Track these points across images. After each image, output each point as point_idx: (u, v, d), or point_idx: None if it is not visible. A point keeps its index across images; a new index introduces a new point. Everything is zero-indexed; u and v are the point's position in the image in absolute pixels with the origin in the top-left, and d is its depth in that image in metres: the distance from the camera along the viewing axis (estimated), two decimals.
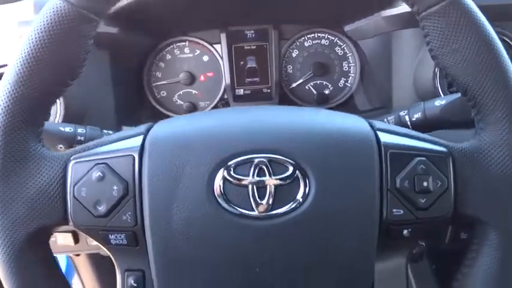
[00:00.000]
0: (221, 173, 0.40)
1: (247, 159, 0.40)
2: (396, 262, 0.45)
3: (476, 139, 0.43)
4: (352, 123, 0.43)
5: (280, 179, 0.40)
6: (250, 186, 0.40)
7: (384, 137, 0.43)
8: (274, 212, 0.40)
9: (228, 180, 0.40)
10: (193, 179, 0.40)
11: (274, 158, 0.40)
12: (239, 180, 0.40)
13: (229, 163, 0.40)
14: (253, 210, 0.40)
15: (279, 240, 0.40)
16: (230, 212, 0.40)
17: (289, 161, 0.40)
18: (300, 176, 0.40)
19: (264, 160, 0.40)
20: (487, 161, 0.42)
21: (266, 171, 0.40)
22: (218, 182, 0.40)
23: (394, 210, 0.41)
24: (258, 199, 0.40)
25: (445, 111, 0.54)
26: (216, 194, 0.40)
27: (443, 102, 0.54)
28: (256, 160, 0.40)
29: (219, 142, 0.41)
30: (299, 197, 0.40)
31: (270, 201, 0.40)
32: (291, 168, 0.40)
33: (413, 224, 0.42)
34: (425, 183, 0.41)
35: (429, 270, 0.92)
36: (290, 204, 0.40)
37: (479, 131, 0.44)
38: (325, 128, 0.42)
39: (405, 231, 0.42)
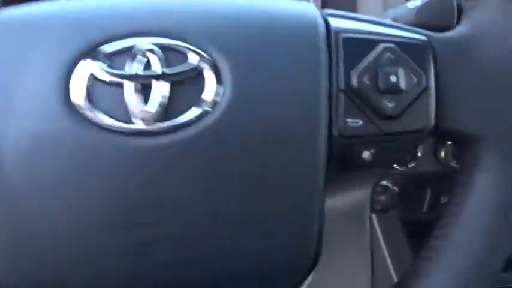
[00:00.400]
0: (86, 66, 0.26)
1: (127, 46, 0.26)
2: (355, 200, 0.32)
3: (465, 23, 0.31)
4: (292, 4, 0.30)
5: (176, 74, 0.26)
6: (129, 85, 0.26)
7: (337, 22, 0.30)
8: (166, 123, 0.26)
9: (96, 77, 0.26)
10: (41, 75, 0.26)
11: (169, 43, 0.27)
12: (114, 76, 0.26)
13: (99, 50, 0.26)
14: (132, 122, 0.26)
15: (177, 168, 0.26)
16: (98, 125, 0.26)
17: (192, 47, 0.27)
18: (208, 69, 0.26)
19: (153, 47, 0.26)
20: (481, 50, 0.30)
21: (156, 62, 0.26)
22: (80, 80, 0.26)
23: (349, 120, 0.28)
24: (140, 105, 0.26)
25: (422, 14, 0.41)
26: (75, 98, 0.26)
27: (418, 3, 0.41)
28: (140, 46, 0.26)
29: (84, 20, 0.27)
30: (207, 99, 0.26)
31: (160, 108, 0.26)
32: (194, 58, 0.26)
33: (378, 143, 0.29)
34: (393, 78, 0.28)
35: (400, 229, 0.79)
36: (192, 111, 0.26)
37: (468, 11, 0.31)
38: (251, 5, 0.29)
39: (365, 153, 0.29)
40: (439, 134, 0.31)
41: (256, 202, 0.27)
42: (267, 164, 0.27)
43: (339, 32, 0.29)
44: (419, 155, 0.66)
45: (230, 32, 0.27)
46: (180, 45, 0.26)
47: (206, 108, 0.26)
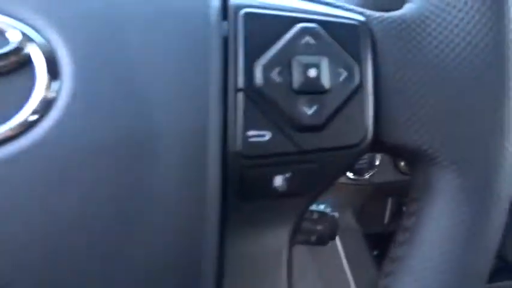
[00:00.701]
0: None
1: None
2: (269, 240, 0.23)
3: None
4: None
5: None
6: None
7: None
8: None
9: None
10: None
11: None
12: None
13: None
14: None
15: None
16: None
17: (11, 23, 0.18)
18: (38, 55, 0.18)
19: None
20: (434, 35, 0.22)
21: None
22: None
23: (252, 133, 0.20)
24: None
25: None
26: None
27: None
28: None
29: None
30: (36, 99, 0.17)
31: None
32: (15, 37, 0.17)
33: (294, 164, 0.20)
34: (312, 73, 0.20)
35: (364, 244, 0.72)
36: (13, 120, 0.17)
37: None
38: None
39: (278, 179, 0.20)
40: (380, 149, 0.23)
41: (112, 252, 0.18)
42: (126, 194, 0.18)
43: (239, 7, 0.20)
44: (377, 163, 0.59)
45: (75, 8, 0.18)
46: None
47: (34, 113, 0.17)
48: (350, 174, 0.57)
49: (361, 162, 0.56)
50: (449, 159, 0.22)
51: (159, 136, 0.18)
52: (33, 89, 0.17)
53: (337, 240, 0.78)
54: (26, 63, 0.17)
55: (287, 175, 0.20)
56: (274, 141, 0.20)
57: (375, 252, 0.80)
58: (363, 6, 0.27)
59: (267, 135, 0.20)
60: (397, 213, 0.67)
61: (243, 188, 0.20)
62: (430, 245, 0.22)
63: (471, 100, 0.21)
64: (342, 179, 0.58)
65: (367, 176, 0.56)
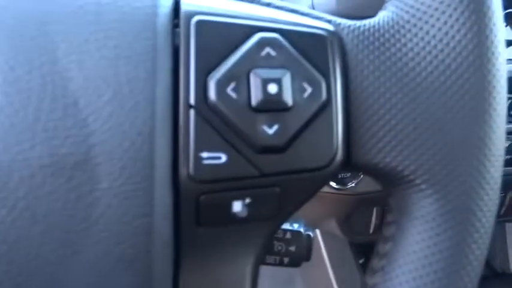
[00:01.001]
0: None
1: None
2: (231, 267, 0.21)
3: (389, 7, 0.21)
4: None
5: None
6: None
7: (192, 0, 0.19)
8: None
9: None
10: None
11: None
12: None
13: None
14: None
15: None
16: None
17: None
18: None
19: None
20: (409, 46, 0.20)
21: None
22: None
23: (206, 155, 0.18)
24: None
25: (346, 2, 0.31)
26: None
27: None
28: None
29: None
30: None
31: None
32: None
33: (254, 188, 0.19)
34: (273, 88, 0.18)
35: (351, 254, 0.71)
36: None
37: None
38: None
39: (237, 205, 0.18)
40: (352, 170, 0.21)
41: None
42: (60, 222, 0.16)
43: (192, 14, 0.18)
44: (360, 173, 0.57)
45: (4, 12, 0.16)
46: None
47: None
48: (333, 184, 0.55)
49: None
50: (426, 182, 0.20)
51: (97, 159, 0.16)
52: None
53: (323, 249, 0.76)
54: None
55: (246, 200, 0.18)
56: (231, 164, 0.18)
57: (361, 261, 0.79)
58: (335, 13, 0.25)
59: (223, 158, 0.18)
60: (383, 223, 0.65)
61: (199, 215, 0.18)
62: (409, 274, 0.20)
63: (449, 119, 0.20)
64: (326, 189, 0.56)
65: (350, 186, 0.54)
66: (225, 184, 0.18)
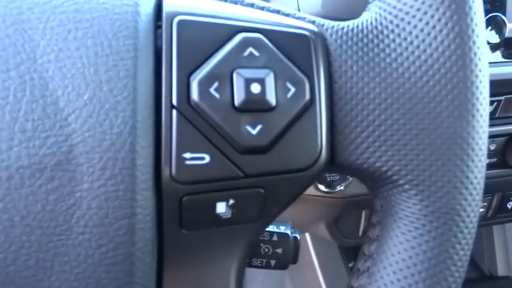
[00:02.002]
0: None
1: None
2: (215, 269, 0.21)
3: (373, 7, 0.21)
4: None
5: None
6: None
7: (174, 0, 0.19)
8: None
9: None
10: None
11: None
12: None
13: None
14: None
15: None
16: None
17: None
18: None
19: None
20: (392, 46, 0.20)
21: None
22: None
23: (189, 155, 0.17)
24: None
25: (329, 2, 0.31)
26: None
27: None
28: None
29: None
30: None
31: None
32: None
33: (238, 189, 0.18)
34: (256, 88, 0.18)
35: (339, 257, 0.71)
36: None
37: None
38: None
39: (220, 206, 0.18)
40: (336, 170, 0.21)
41: None
42: (40, 224, 0.16)
43: (174, 14, 0.18)
44: (348, 176, 0.57)
45: None
46: None
47: None
48: (322, 187, 0.55)
49: (333, 174, 0.54)
50: (410, 182, 0.20)
51: (77, 159, 0.16)
52: None
53: (312, 252, 0.76)
54: None
55: (230, 202, 0.18)
56: (214, 164, 0.17)
57: (351, 264, 0.79)
58: (321, 16, 0.25)
59: (206, 158, 0.17)
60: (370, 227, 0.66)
61: (182, 216, 0.18)
62: (393, 275, 0.20)
63: (432, 119, 0.20)
64: (314, 192, 0.56)
65: (339, 189, 0.54)
66: (208, 185, 0.18)
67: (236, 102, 0.17)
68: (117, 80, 0.16)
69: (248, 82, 0.17)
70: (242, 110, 0.18)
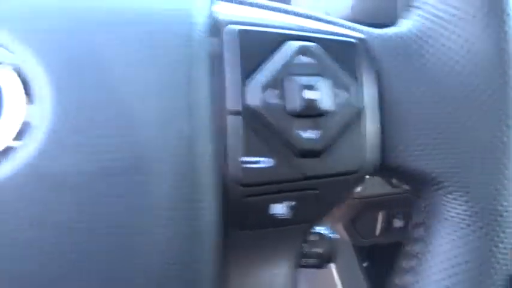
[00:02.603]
0: None
1: None
2: (274, 267, 0.21)
3: (414, 15, 0.22)
4: None
5: None
6: None
7: (226, 9, 0.20)
8: None
9: None
10: None
11: None
12: None
13: None
14: None
15: None
16: None
17: None
18: (9, 77, 0.16)
19: None
20: (435, 53, 0.20)
21: None
22: None
23: (250, 158, 0.18)
24: None
25: (359, 7, 0.32)
26: None
27: None
28: None
29: None
30: (9, 127, 0.16)
31: None
32: None
33: (293, 191, 0.19)
34: (310, 95, 0.18)
35: (354, 256, 0.71)
36: None
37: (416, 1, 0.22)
38: None
39: (281, 208, 0.19)
40: (384, 174, 0.21)
41: None
42: (111, 226, 0.16)
43: (230, 23, 0.18)
44: (366, 176, 0.58)
45: (52, 23, 0.17)
46: None
47: (14, 139, 0.15)
48: None
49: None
50: (455, 184, 0.20)
51: (145, 165, 0.16)
52: (11, 114, 0.16)
53: None
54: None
55: (289, 203, 0.19)
56: (275, 167, 0.18)
57: (365, 264, 0.79)
58: (358, 22, 0.26)
59: (266, 161, 0.18)
60: (388, 226, 0.66)
61: (243, 217, 0.19)
62: (439, 274, 0.21)
63: (474, 123, 0.20)
64: None
65: (356, 190, 0.55)
66: (269, 187, 0.18)
67: (292, 108, 0.18)
68: (177, 87, 0.17)
69: (303, 88, 0.18)
70: (298, 115, 0.18)
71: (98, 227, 0.16)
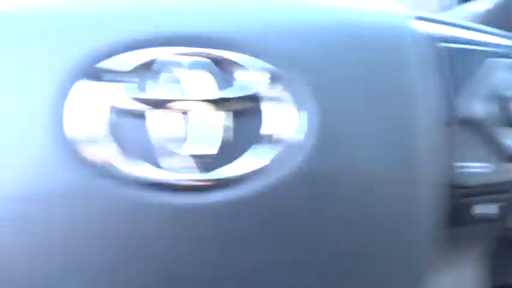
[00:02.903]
0: (83, 89, 0.17)
1: (151, 59, 0.17)
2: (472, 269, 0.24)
3: None
4: (371, 10, 0.21)
5: (239, 99, 0.17)
6: (156, 116, 0.17)
7: (429, 27, 0.22)
8: (216, 174, 0.17)
9: (104, 105, 0.17)
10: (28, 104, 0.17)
11: (222, 56, 0.18)
12: (135, 102, 0.17)
13: (104, 67, 0.17)
14: (161, 169, 0.17)
15: (232, 238, 0.18)
16: (111, 177, 0.17)
17: (251, 61, 0.18)
18: (279, 93, 0.18)
19: (201, 58, 0.18)
20: None
21: (201, 82, 0.17)
22: (77, 107, 0.17)
23: (470, 164, 0.20)
24: (176, 148, 0.17)
25: (491, 15, 0.33)
26: (69, 137, 0.17)
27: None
28: (179, 59, 0.17)
29: (84, 20, 0.18)
30: (280, 135, 0.18)
31: (220, 150, 0.17)
32: (257, 78, 0.18)
33: (508, 192, 0.21)
34: None
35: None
36: (254, 154, 0.17)
37: None
38: (326, 10, 0.20)
39: (491, 208, 0.21)
40: None
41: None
42: (359, 231, 0.18)
43: (437, 39, 0.21)
44: None
45: (303, 43, 0.19)
46: (233, 58, 0.18)
47: (278, 148, 0.17)
48: None
49: None
50: None
51: (382, 172, 0.18)
52: (267, 127, 0.18)
53: None
54: (265, 101, 0.18)
55: (501, 202, 0.21)
56: (494, 172, 0.20)
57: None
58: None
59: (482, 167, 0.20)
60: None
61: (453, 218, 0.21)
62: None
63: None
64: None
65: None
66: (487, 189, 0.20)
67: (503, 119, 0.20)
68: (407, 112, 0.19)
69: (510, 101, 0.20)
70: (508, 124, 0.20)
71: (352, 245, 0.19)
